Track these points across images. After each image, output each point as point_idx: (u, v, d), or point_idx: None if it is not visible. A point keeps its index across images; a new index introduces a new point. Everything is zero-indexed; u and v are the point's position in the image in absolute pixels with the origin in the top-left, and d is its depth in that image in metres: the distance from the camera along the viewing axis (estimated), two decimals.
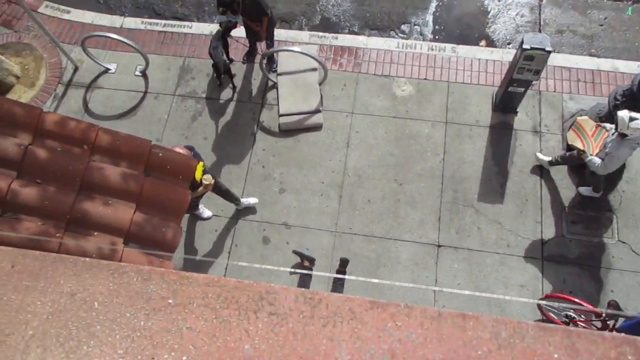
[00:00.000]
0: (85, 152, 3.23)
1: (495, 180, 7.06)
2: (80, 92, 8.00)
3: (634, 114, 5.35)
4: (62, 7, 8.76)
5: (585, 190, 6.83)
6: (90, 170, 3.21)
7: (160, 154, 3.44)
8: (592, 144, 5.97)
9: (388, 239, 6.82)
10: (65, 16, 8.66)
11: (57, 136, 3.18)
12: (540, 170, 7.06)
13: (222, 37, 7.36)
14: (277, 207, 7.12)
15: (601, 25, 8.16)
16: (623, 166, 6.96)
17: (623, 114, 5.41)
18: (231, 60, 7.85)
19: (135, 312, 2.02)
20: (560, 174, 7.03)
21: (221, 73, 7.54)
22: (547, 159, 6.92)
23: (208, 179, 5.31)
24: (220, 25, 7.36)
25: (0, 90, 7.85)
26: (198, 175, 5.19)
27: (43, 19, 8.24)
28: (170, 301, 2.05)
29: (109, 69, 8.09)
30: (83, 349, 1.95)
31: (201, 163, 5.38)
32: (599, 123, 6.10)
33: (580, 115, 6.94)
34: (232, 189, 7.20)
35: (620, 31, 8.09)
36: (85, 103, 7.90)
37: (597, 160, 5.80)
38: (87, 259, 2.16)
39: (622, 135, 5.48)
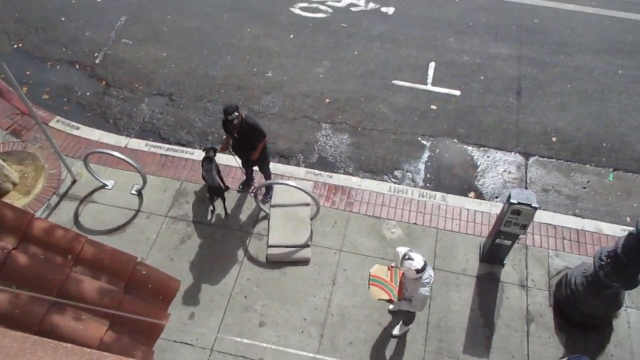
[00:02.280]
0: (68, 262, 3.17)
1: (481, 333, 6.88)
2: (74, 205, 8.05)
3: (412, 254, 5.28)
4: (72, 123, 9.16)
5: (397, 330, 6.71)
6: (68, 282, 3.13)
7: (144, 272, 3.38)
8: (394, 288, 5.84)
9: None
10: (74, 132, 9.02)
11: (42, 243, 3.15)
12: (527, 325, 6.92)
13: (211, 161, 7.66)
14: (255, 340, 6.83)
15: (584, 187, 8.53)
16: (611, 328, 6.86)
17: (400, 249, 5.45)
18: (227, 188, 8.03)
19: None
20: (548, 332, 6.87)
21: (214, 196, 7.67)
22: (390, 307, 6.83)
23: None
24: (204, 151, 7.75)
25: None
26: None
27: (52, 132, 8.58)
28: None
29: (106, 185, 8.23)
30: None
31: None
32: (390, 266, 5.94)
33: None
34: (211, 317, 6.98)
35: (602, 195, 8.44)
36: (76, 215, 7.92)
37: (404, 304, 5.70)
38: (69, 345, 2.02)
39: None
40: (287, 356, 6.66)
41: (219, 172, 7.82)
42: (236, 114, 6.81)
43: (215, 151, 7.78)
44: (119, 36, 10.89)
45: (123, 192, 8.23)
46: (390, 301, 5.85)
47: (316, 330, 6.90)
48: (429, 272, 5.47)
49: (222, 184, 7.77)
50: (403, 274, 5.73)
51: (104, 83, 10.07)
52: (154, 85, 10.00)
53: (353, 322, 6.96)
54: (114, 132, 9.18)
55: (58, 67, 10.36)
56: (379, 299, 5.88)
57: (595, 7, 11.53)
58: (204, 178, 7.62)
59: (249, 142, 7.24)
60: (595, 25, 11.16)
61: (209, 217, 7.95)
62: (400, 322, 6.73)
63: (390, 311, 6.97)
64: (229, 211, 7.96)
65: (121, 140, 8.99)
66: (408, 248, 5.48)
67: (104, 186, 8.25)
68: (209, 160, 7.63)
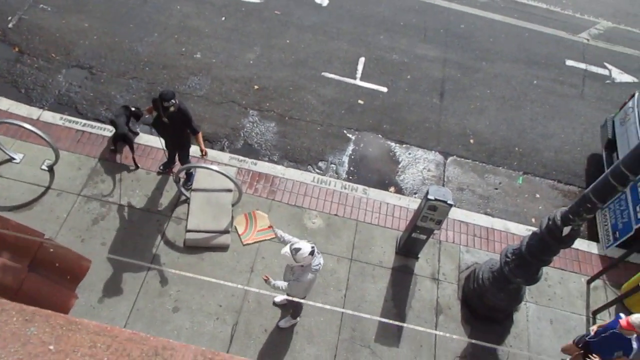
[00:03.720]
0: None
1: (393, 324, 7.10)
2: None
3: (297, 245, 5.40)
4: None
5: (284, 323, 6.88)
6: None
7: (51, 250, 3.20)
8: (253, 236, 6.20)
9: None
10: None
11: None
12: (436, 316, 7.22)
13: (126, 108, 7.68)
14: (167, 327, 6.67)
15: (496, 189, 9.02)
16: (511, 321, 7.31)
17: (284, 249, 5.48)
18: (136, 134, 7.98)
19: (7, 355, 1.72)
20: (455, 323, 7.22)
21: (120, 143, 7.75)
22: (276, 299, 7.01)
23: None
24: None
25: None
26: None
27: None
28: (51, 347, 1.77)
29: (13, 159, 7.70)
30: None
31: None
32: (275, 230, 6.10)
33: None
34: (122, 302, 6.74)
35: (512, 196, 8.96)
36: None
37: (282, 284, 5.85)
38: None
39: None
40: (200, 342, 6.55)
41: (129, 120, 7.85)
42: (173, 101, 6.55)
43: (137, 108, 7.84)
44: (36, 1, 10.19)
45: (32, 167, 7.73)
46: (266, 279, 5.80)
47: (231, 317, 6.84)
48: (319, 260, 5.60)
49: (130, 131, 7.84)
50: (276, 238, 5.98)
51: (16, 49, 9.39)
52: (72, 57, 9.46)
53: (270, 310, 6.96)
54: (26, 103, 8.60)
55: None
56: (235, 225, 6.56)
57: (518, 19, 12.15)
58: (112, 123, 7.57)
59: (176, 128, 7.02)
60: (516, 36, 11.77)
61: (125, 199, 7.65)
62: (289, 315, 6.83)
63: (275, 304, 7.00)
64: (149, 193, 7.71)
65: (33, 112, 8.43)
66: (289, 244, 5.43)
67: (11, 159, 7.71)
68: (124, 108, 7.67)
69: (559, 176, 9.38)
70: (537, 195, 9.06)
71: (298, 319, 6.82)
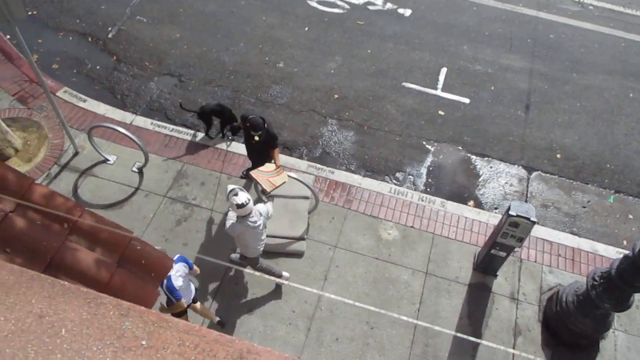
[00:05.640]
0: (64, 231, 3.17)
1: (467, 342, 6.88)
2: (74, 176, 8.05)
3: (241, 192, 5.79)
4: (80, 95, 9.15)
5: (234, 256, 6.98)
6: (63, 250, 3.12)
7: (139, 247, 3.38)
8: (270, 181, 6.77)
9: None
10: (81, 104, 9.01)
11: (41, 209, 3.15)
12: (514, 338, 6.92)
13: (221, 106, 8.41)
14: (241, 329, 6.84)
15: (584, 207, 8.53)
16: (597, 349, 6.85)
17: (230, 186, 5.90)
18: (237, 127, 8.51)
19: (104, 347, 1.83)
20: (534, 346, 6.88)
21: (204, 120, 8.47)
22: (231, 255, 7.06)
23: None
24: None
25: None
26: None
27: (59, 102, 8.58)
28: (143, 342, 1.86)
29: (107, 160, 8.23)
30: None
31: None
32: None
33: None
34: (200, 301, 6.97)
35: (601, 216, 8.44)
36: (75, 187, 7.92)
37: (229, 221, 6.14)
38: (66, 283, 2.02)
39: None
40: (272, 346, 6.67)
41: (221, 115, 8.48)
42: (261, 132, 6.85)
43: (237, 122, 8.30)
44: (134, 13, 10.87)
45: (124, 168, 8.22)
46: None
47: (303, 323, 6.91)
48: (256, 218, 5.99)
49: (213, 113, 8.44)
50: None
51: (114, 58, 10.05)
52: (164, 65, 9.99)
53: (341, 319, 6.96)
54: (121, 108, 9.17)
55: (70, 38, 10.33)
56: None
57: (613, 29, 11.49)
58: (213, 112, 8.43)
59: (263, 147, 7.24)
60: (610, 46, 11.13)
61: (207, 202, 7.94)
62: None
63: (231, 261, 7.03)
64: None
65: (127, 117, 8.98)
66: (240, 187, 5.89)
67: (105, 161, 8.25)
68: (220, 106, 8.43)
69: None
70: (630, 216, 8.48)
71: (283, 281, 6.90)
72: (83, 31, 10.45)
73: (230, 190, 5.85)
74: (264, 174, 6.92)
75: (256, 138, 6.90)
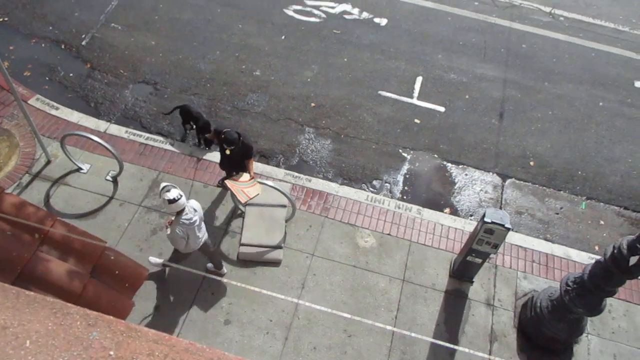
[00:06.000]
0: (35, 241, 3.10)
1: (444, 348, 6.92)
2: (46, 186, 7.90)
3: (173, 189, 5.76)
4: (52, 102, 9.00)
5: (210, 266, 7.23)
6: (34, 261, 3.05)
7: (112, 257, 3.32)
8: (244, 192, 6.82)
9: None
10: (53, 112, 8.86)
11: (11, 219, 3.07)
12: (491, 344, 6.99)
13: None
14: (218, 338, 6.77)
15: (557, 213, 8.68)
16: (571, 353, 6.96)
17: (164, 183, 5.89)
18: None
19: (70, 358, 1.79)
20: (510, 352, 6.95)
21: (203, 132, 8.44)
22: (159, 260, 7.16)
23: None
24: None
25: None
26: None
27: (31, 110, 8.41)
28: (111, 352, 1.82)
29: (81, 169, 8.09)
30: None
31: None
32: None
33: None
34: (176, 310, 6.90)
35: (574, 222, 8.60)
36: (47, 196, 7.76)
37: (169, 231, 6.12)
38: (32, 294, 1.96)
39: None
40: (249, 356, 6.61)
41: (196, 121, 8.54)
42: (234, 147, 6.87)
43: (209, 134, 8.27)
44: (108, 20, 10.75)
45: (98, 177, 8.09)
46: (168, 224, 6.33)
47: (281, 332, 6.87)
48: (191, 215, 5.96)
49: (191, 114, 8.56)
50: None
51: (88, 65, 9.91)
52: (139, 73, 9.88)
53: (319, 327, 6.94)
54: (94, 116, 9.03)
55: (43, 45, 10.16)
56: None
57: (583, 39, 11.77)
58: (193, 118, 8.55)
59: (237, 158, 7.21)
60: (581, 56, 11.40)
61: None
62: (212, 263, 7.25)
63: (208, 270, 7.24)
64: (205, 206, 7.89)
65: (101, 125, 8.85)
66: (172, 184, 5.86)
67: (78, 169, 8.11)
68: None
69: (626, 202, 8.94)
70: (602, 222, 8.66)
71: (224, 270, 7.09)
72: (56, 38, 10.29)
73: (163, 187, 5.81)
74: (239, 184, 6.90)
75: (227, 152, 6.96)
